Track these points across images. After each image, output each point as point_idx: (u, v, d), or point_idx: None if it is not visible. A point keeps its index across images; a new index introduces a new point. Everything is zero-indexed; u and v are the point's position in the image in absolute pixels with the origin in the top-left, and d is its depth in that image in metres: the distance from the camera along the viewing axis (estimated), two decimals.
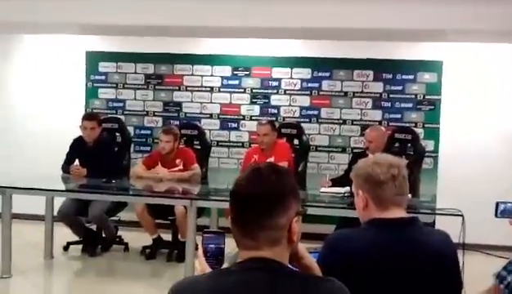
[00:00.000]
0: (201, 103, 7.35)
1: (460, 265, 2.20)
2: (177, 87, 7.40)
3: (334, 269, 1.80)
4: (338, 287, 1.55)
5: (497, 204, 2.70)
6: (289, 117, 7.16)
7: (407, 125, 6.82)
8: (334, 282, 1.57)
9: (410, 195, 4.99)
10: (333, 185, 5.64)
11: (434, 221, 4.92)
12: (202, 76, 7.35)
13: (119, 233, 6.38)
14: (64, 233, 6.07)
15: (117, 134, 6.79)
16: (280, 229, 1.55)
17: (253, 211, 1.54)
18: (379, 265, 2.05)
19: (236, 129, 7.30)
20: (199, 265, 1.71)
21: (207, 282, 1.55)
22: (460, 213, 4.57)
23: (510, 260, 2.34)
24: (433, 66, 6.90)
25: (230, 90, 7.30)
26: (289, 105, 7.20)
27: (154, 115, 7.45)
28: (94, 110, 7.33)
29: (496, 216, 2.69)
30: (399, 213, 2.19)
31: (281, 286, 1.50)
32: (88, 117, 6.32)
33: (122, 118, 7.23)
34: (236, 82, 7.29)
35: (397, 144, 6.34)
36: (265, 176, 1.59)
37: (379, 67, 6.98)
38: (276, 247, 1.55)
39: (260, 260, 1.53)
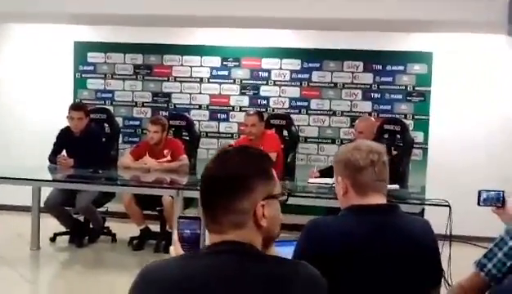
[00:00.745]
0: (190, 94, 7.31)
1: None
2: (166, 78, 7.35)
3: (309, 256, 1.78)
4: (309, 271, 1.52)
5: (479, 193, 2.70)
6: (278, 108, 7.13)
7: (397, 116, 6.79)
8: (306, 265, 1.54)
9: (397, 186, 5.06)
10: (321, 176, 5.62)
11: (423, 212, 4.91)
12: (191, 67, 7.30)
13: (107, 223, 6.34)
14: (51, 224, 6.03)
15: (105, 125, 6.75)
16: (242, 212, 1.50)
17: (215, 193, 1.52)
18: (356, 252, 2.02)
19: (226, 120, 7.26)
20: (174, 251, 1.68)
21: (176, 265, 1.52)
22: (446, 204, 4.56)
23: (491, 247, 2.32)
24: (423, 57, 6.88)
25: (219, 81, 7.26)
26: (279, 96, 7.16)
27: (143, 106, 7.41)
28: (83, 101, 7.26)
29: (478, 204, 2.68)
30: (379, 199, 2.16)
31: (250, 268, 1.46)
32: (75, 107, 6.26)
33: (110, 108, 7.20)
34: (226, 72, 7.25)
35: (386, 135, 6.31)
36: (228, 158, 1.55)
37: (369, 58, 6.95)
38: (240, 230, 1.50)
39: (229, 243, 1.50)
